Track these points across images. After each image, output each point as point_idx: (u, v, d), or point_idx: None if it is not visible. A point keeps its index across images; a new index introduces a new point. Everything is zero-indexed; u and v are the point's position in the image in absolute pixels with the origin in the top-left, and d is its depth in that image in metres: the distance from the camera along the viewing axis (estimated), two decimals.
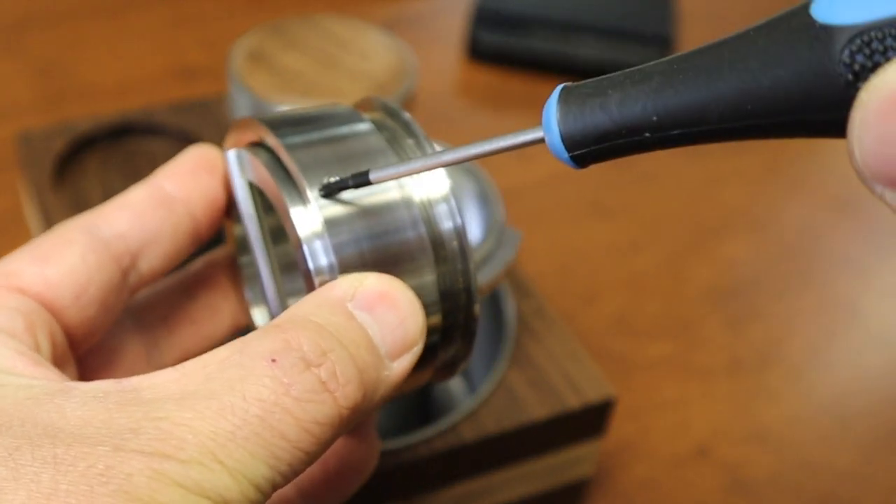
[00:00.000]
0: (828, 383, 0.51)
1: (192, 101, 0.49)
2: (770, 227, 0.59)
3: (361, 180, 0.23)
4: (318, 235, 0.24)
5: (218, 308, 0.30)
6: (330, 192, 0.24)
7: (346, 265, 0.23)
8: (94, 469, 0.18)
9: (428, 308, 0.24)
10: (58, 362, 0.24)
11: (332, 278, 0.23)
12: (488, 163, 0.52)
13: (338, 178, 0.24)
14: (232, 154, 0.26)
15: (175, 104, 0.49)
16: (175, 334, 0.29)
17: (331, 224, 0.23)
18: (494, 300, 0.42)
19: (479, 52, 0.67)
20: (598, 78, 0.20)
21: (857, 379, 0.51)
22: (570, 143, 0.20)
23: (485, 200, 0.38)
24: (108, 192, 0.46)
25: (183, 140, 0.48)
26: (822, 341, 0.53)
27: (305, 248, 0.24)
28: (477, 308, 0.25)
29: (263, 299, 0.29)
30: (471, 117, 0.64)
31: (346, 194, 0.24)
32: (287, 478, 0.20)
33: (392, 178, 0.23)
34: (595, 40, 0.66)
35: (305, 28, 0.49)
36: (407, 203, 0.25)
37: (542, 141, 0.20)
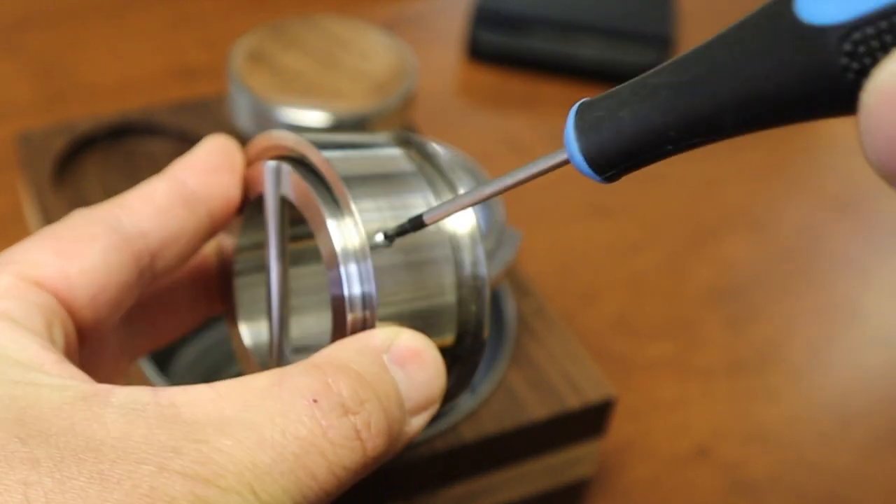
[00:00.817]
0: (828, 383, 0.51)
1: (192, 101, 0.49)
2: (770, 227, 0.59)
3: (417, 223, 0.24)
4: (358, 258, 0.24)
5: (188, 300, 0.30)
6: (391, 237, 0.24)
7: (385, 295, 0.24)
8: (139, 489, 0.18)
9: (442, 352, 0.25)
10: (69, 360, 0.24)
11: (367, 311, 0.24)
12: (489, 163, 0.52)
13: (398, 224, 0.24)
14: (270, 165, 0.26)
15: (175, 104, 0.49)
16: (149, 322, 0.29)
17: (374, 253, 0.24)
18: (494, 300, 0.42)
19: (479, 52, 0.67)
20: (608, 95, 0.20)
21: (857, 379, 0.51)
22: (596, 166, 0.20)
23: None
24: (108, 192, 0.46)
25: (183, 140, 0.48)
26: (822, 341, 0.53)
27: (342, 269, 0.24)
28: (480, 354, 0.26)
29: (253, 315, 0.29)
30: (471, 117, 0.64)
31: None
32: None
33: (441, 219, 0.24)
34: (595, 40, 0.66)
35: (305, 28, 0.49)
36: (441, 243, 0.25)
37: (568, 163, 0.21)
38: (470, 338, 0.26)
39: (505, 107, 0.65)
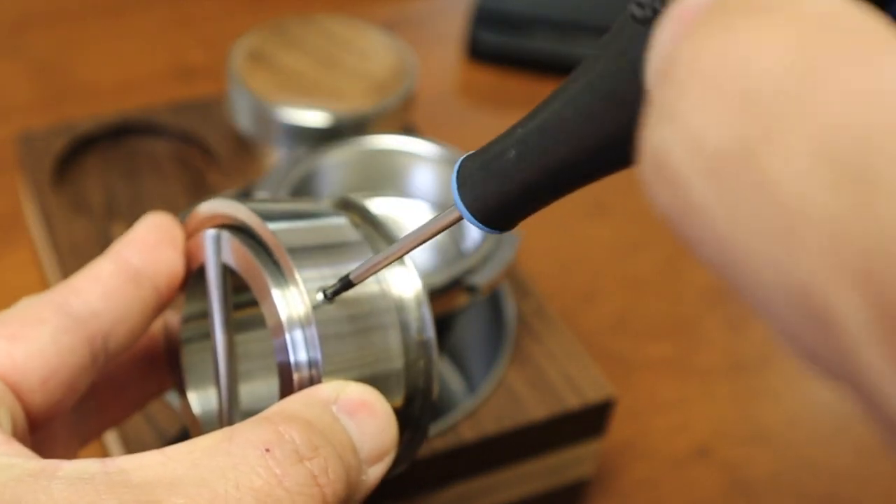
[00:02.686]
0: (827, 383, 0.51)
1: (192, 101, 0.49)
2: None
3: (346, 283, 0.24)
4: (303, 324, 0.24)
5: (138, 379, 0.29)
6: (330, 296, 0.24)
7: (330, 363, 0.24)
8: None
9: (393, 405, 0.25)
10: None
11: (314, 371, 0.24)
12: None
13: (334, 283, 0.24)
14: (210, 233, 0.26)
15: (175, 104, 0.49)
16: (99, 404, 0.28)
17: (318, 316, 0.24)
18: (494, 300, 0.42)
19: (479, 52, 0.67)
20: (482, 159, 0.21)
21: None
22: (486, 222, 0.21)
23: None
24: (108, 192, 0.46)
25: (183, 140, 0.48)
26: None
27: (288, 336, 0.24)
28: (430, 413, 0.26)
29: (201, 382, 0.29)
30: (471, 117, 0.64)
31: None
32: None
33: (368, 276, 0.24)
34: (595, 40, 0.66)
35: (305, 28, 0.49)
36: (387, 308, 0.25)
37: (462, 219, 0.22)
38: (420, 400, 0.26)
39: (505, 107, 0.65)
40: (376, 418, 0.23)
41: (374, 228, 0.27)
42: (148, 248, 0.26)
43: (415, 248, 0.23)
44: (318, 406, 0.22)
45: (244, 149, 0.47)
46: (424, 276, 0.35)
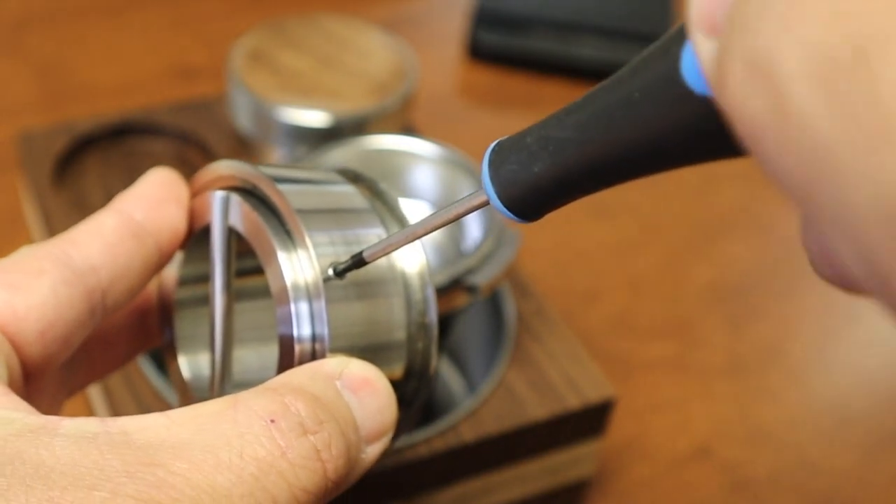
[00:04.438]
0: (828, 383, 0.51)
1: (192, 101, 0.49)
2: (770, 226, 0.59)
3: (359, 260, 0.24)
4: (311, 296, 0.24)
5: (128, 334, 0.29)
6: (341, 273, 0.24)
7: (336, 335, 0.24)
8: None
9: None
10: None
11: (318, 346, 0.24)
12: None
13: (346, 260, 0.24)
14: (219, 195, 0.25)
15: (175, 104, 0.49)
16: (88, 357, 0.28)
17: (327, 292, 0.24)
18: (494, 300, 0.42)
19: (479, 52, 0.67)
20: (518, 145, 0.21)
21: (857, 379, 0.51)
22: (516, 211, 0.21)
23: None
24: (108, 192, 0.46)
25: (183, 140, 0.48)
26: (823, 341, 0.53)
27: (293, 306, 0.24)
28: (424, 395, 0.26)
29: (192, 347, 0.29)
30: (471, 117, 0.64)
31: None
32: None
33: (382, 255, 0.24)
34: (595, 40, 0.66)
35: (305, 28, 0.49)
36: (394, 286, 0.25)
37: (488, 204, 0.21)
38: (415, 381, 0.26)
39: (505, 107, 0.65)
40: (378, 397, 0.23)
41: (383, 202, 0.27)
42: (152, 204, 0.26)
43: (435, 229, 0.23)
44: (322, 380, 0.22)
45: (244, 149, 0.47)
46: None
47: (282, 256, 0.24)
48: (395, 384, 0.25)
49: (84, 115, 0.48)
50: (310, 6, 0.69)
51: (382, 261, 0.25)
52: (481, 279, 0.36)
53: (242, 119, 0.46)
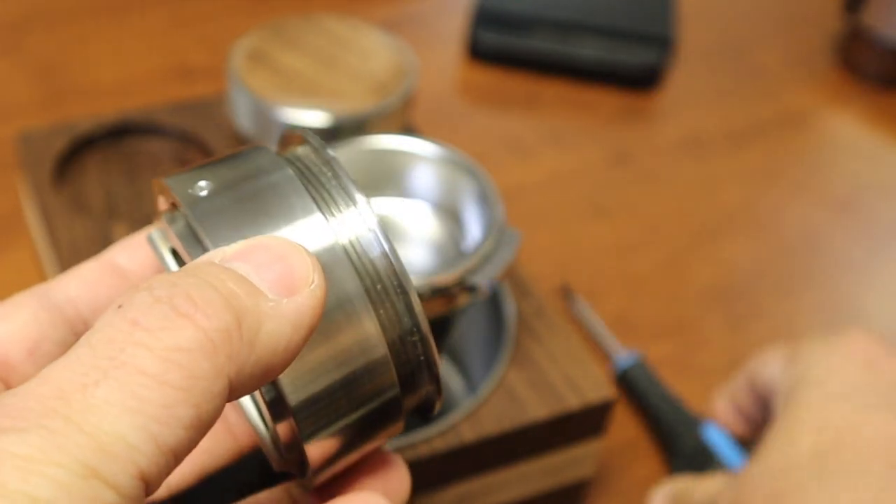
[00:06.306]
0: None
1: (192, 101, 0.49)
2: (770, 227, 0.59)
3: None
4: None
5: None
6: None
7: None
8: None
9: (379, 362, 0.23)
10: None
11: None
12: (488, 163, 0.52)
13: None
14: (155, 234, 0.27)
15: (175, 104, 0.49)
16: None
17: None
18: (494, 300, 0.42)
19: (480, 52, 0.67)
20: None
21: None
22: None
23: (485, 200, 0.38)
24: (108, 192, 0.46)
25: (183, 140, 0.48)
26: None
27: None
28: (433, 351, 0.24)
29: None
30: (471, 117, 0.64)
31: None
32: (165, 422, 0.18)
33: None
34: (595, 40, 0.66)
35: (305, 28, 0.49)
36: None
37: None
38: (424, 382, 0.25)
39: (505, 107, 0.65)
40: (269, 249, 0.21)
41: (329, 168, 0.25)
42: (134, 248, 0.27)
43: None
44: (188, 268, 0.20)
45: None
46: (425, 276, 0.35)
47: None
48: (402, 394, 0.24)
49: (84, 116, 0.48)
50: (310, 6, 0.69)
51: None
52: (481, 279, 0.36)
53: (242, 119, 0.46)
